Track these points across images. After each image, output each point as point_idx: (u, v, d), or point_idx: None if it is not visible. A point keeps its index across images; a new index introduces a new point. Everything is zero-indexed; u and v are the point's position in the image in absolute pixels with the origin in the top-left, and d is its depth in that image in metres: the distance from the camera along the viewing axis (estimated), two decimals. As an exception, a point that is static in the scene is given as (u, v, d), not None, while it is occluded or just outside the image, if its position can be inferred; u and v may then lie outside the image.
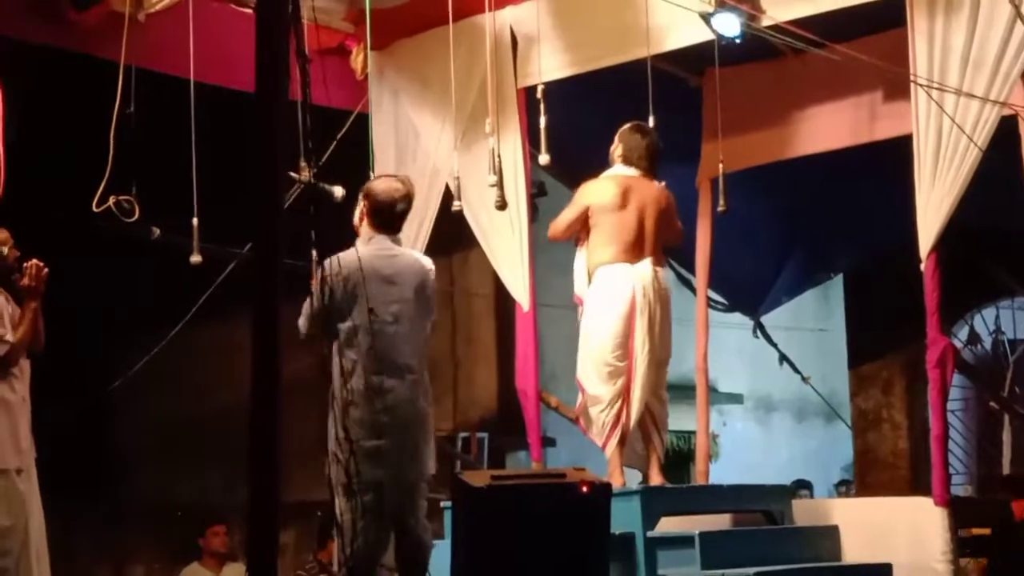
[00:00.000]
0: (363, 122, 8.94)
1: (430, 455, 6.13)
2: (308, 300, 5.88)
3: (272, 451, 3.65)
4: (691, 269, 9.40)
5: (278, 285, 3.77)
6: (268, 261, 3.74)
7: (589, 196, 7.48)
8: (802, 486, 13.54)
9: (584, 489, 5.53)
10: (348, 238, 6.19)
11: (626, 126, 7.57)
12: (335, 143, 8.10)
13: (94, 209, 6.60)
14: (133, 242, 7.04)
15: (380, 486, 5.80)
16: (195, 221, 7.04)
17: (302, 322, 6.00)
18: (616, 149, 7.56)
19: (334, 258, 5.73)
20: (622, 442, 7.39)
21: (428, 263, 6.40)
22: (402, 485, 5.94)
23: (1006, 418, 11.71)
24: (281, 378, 3.72)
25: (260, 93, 3.85)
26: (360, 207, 6.25)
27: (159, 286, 8.49)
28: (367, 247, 6.08)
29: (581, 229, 7.50)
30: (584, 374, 7.49)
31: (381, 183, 6.33)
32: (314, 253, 5.47)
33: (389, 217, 6.24)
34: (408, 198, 6.30)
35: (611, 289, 7.34)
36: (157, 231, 7.10)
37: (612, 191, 7.42)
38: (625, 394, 7.35)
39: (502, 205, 7.24)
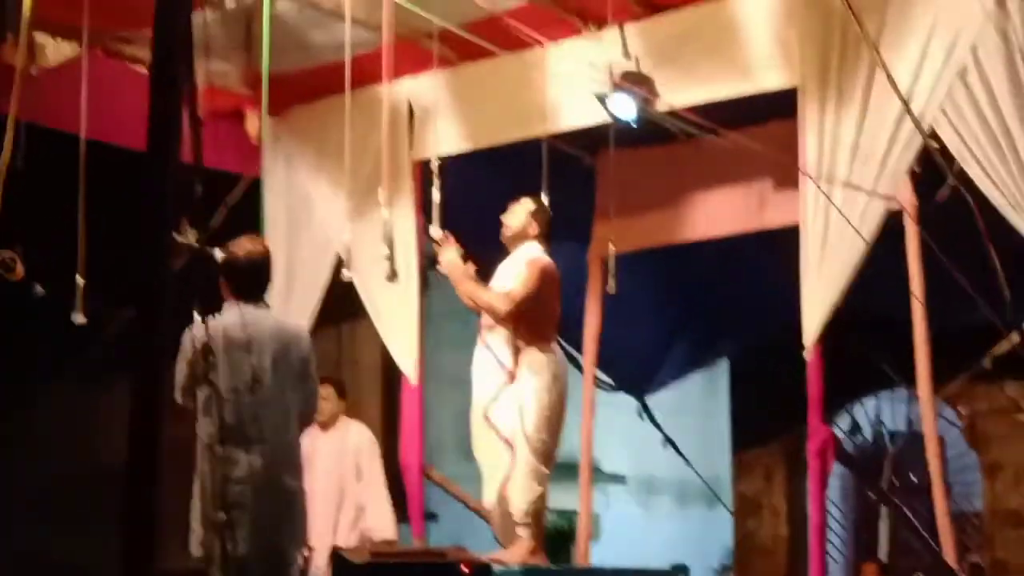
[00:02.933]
0: (256, 187, 8.89)
1: (293, 532, 5.96)
2: (177, 371, 5.84)
3: (150, 515, 3.56)
4: (579, 348, 9.41)
5: (162, 347, 3.70)
6: (151, 323, 3.67)
7: (551, 284, 7.37)
8: (680, 570, 13.52)
9: (464, 570, 5.48)
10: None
11: (533, 202, 7.52)
12: (226, 207, 8.03)
13: (-25, 266, 6.45)
14: (16, 300, 6.88)
15: (239, 559, 5.59)
16: (80, 280, 6.92)
17: (176, 392, 5.90)
18: (530, 226, 7.45)
19: (193, 326, 5.55)
20: None
21: (296, 329, 6.24)
22: (257, 562, 5.75)
23: (883, 509, 11.83)
24: (162, 443, 3.64)
25: (151, 152, 3.79)
26: (220, 277, 6.12)
27: (42, 345, 8.32)
28: (227, 316, 5.94)
29: None
30: (534, 446, 7.27)
31: (234, 247, 6.10)
32: (196, 319, 5.42)
33: (245, 281, 6.05)
34: (263, 258, 6.13)
35: (557, 371, 7.27)
36: (40, 289, 6.95)
37: (556, 276, 7.35)
38: None
39: (392, 276, 7.18)
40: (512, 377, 7.22)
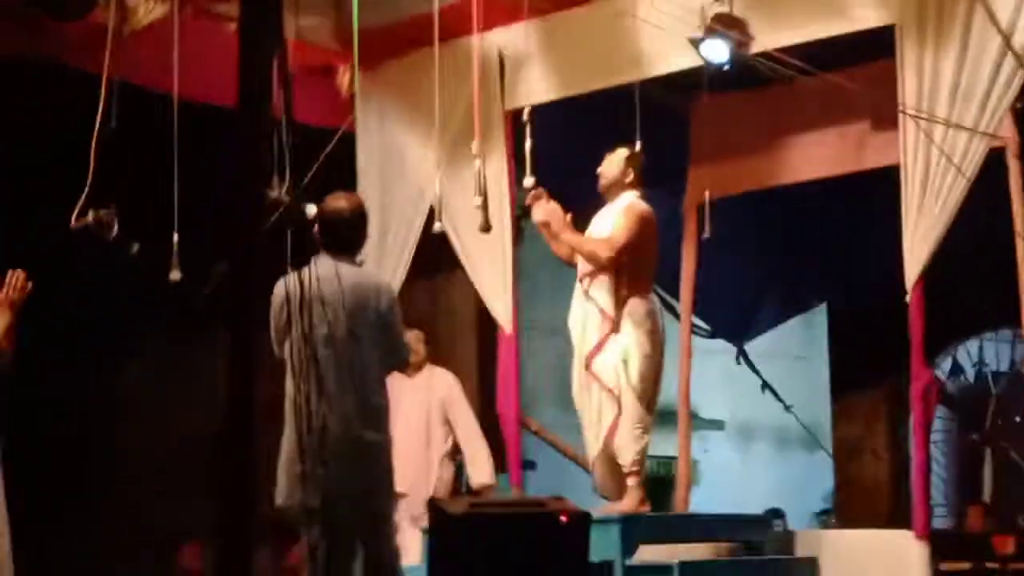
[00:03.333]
0: (349, 141, 8.90)
1: (381, 480, 5.96)
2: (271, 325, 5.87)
3: (245, 470, 3.58)
4: (675, 295, 9.35)
5: (252, 305, 3.70)
6: (242, 280, 3.67)
7: (650, 229, 7.36)
8: (776, 515, 13.47)
9: (563, 519, 5.46)
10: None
11: (628, 150, 7.49)
12: (319, 162, 8.03)
13: (73, 224, 6.52)
14: (112, 258, 6.94)
15: (319, 512, 5.65)
16: (176, 237, 6.97)
17: (274, 346, 5.94)
18: (626, 174, 7.44)
19: (280, 281, 5.65)
20: None
21: (377, 282, 6.23)
22: (353, 509, 5.79)
23: (987, 451, 11.66)
24: (255, 400, 3.65)
25: (241, 108, 3.78)
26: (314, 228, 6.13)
27: (139, 303, 8.40)
28: (312, 269, 5.95)
29: None
30: (640, 396, 7.31)
31: (329, 202, 6.12)
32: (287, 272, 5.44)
33: (337, 236, 6.06)
34: (355, 213, 6.13)
35: (658, 320, 7.30)
36: (137, 246, 7.00)
37: (655, 222, 7.35)
38: None
39: (486, 227, 7.17)
40: (615, 326, 7.22)
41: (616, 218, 7.32)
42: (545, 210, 7.43)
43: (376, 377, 6.04)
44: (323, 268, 5.88)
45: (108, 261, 6.86)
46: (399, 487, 6.59)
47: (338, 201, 6.14)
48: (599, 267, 7.27)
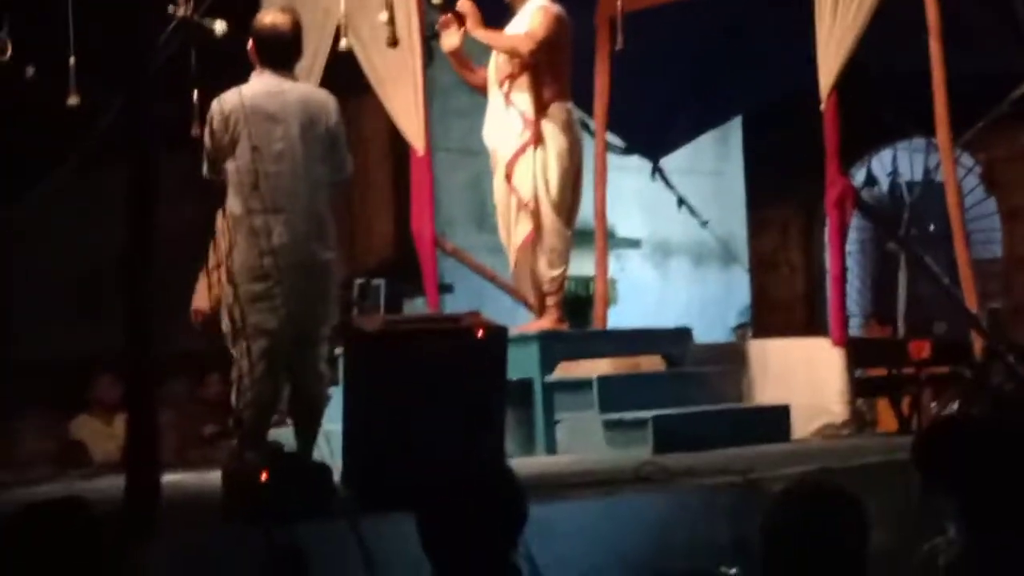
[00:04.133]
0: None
1: (327, 301, 5.92)
2: (205, 142, 5.75)
3: (144, 301, 3.48)
4: (589, 111, 9.24)
5: (150, 127, 3.58)
6: (138, 104, 3.54)
7: (565, 29, 7.24)
8: (684, 331, 13.55)
9: (479, 334, 5.41)
10: (234, 77, 5.94)
11: None
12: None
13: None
14: (5, 83, 6.71)
15: (270, 332, 5.65)
16: (71, 60, 6.74)
17: (205, 167, 5.85)
18: None
19: (217, 99, 5.66)
20: None
21: (324, 97, 6.11)
22: (295, 330, 5.74)
23: (902, 259, 11.76)
24: (152, 228, 3.54)
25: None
26: (249, 45, 6.01)
27: (36, 130, 8.17)
28: (253, 85, 5.86)
29: None
30: (559, 209, 7.23)
31: (266, 17, 6.04)
32: (195, 94, 5.30)
33: (276, 52, 5.95)
34: (294, 28, 6.01)
35: (577, 130, 7.23)
36: (31, 70, 6.77)
37: (569, 25, 7.22)
38: None
39: (393, 42, 7.03)
40: (536, 132, 7.13)
41: (530, 19, 7.19)
42: (455, 36, 7.32)
43: (325, 193, 5.97)
44: (267, 84, 5.81)
45: (3, 85, 6.64)
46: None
47: (274, 16, 6.03)
48: (521, 63, 7.16)
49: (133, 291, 3.54)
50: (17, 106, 7.56)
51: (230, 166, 5.74)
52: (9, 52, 6.33)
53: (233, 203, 5.70)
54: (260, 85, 5.87)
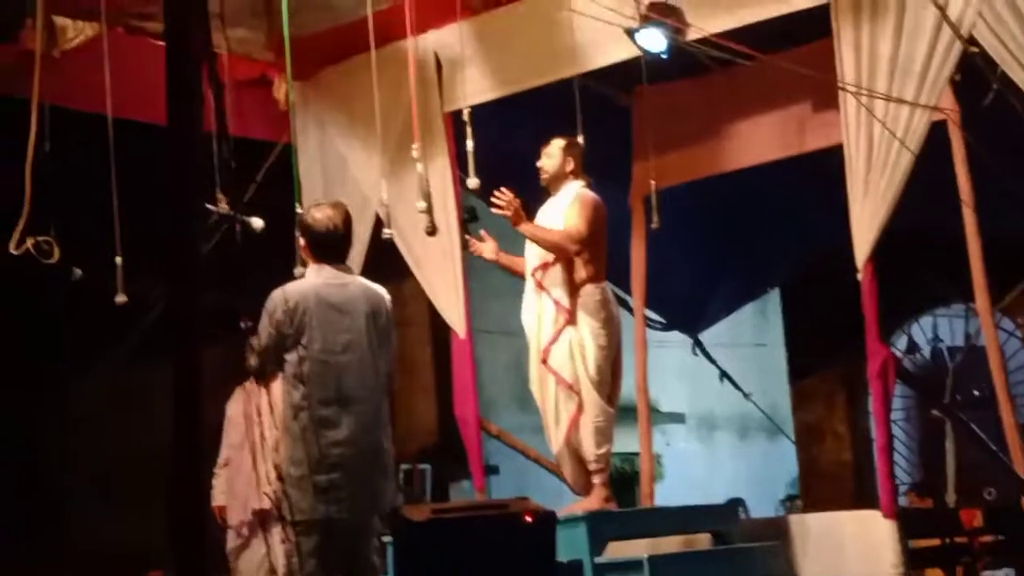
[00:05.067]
0: (291, 153, 8.81)
1: (387, 490, 5.90)
2: (257, 336, 5.78)
3: (197, 495, 3.50)
4: (626, 288, 9.30)
5: (196, 320, 3.63)
6: (183, 297, 3.59)
7: (603, 217, 7.32)
8: (737, 503, 13.47)
9: (528, 519, 5.40)
10: (271, 271, 6.03)
11: (564, 140, 7.44)
12: (260, 175, 7.95)
13: (12, 251, 6.41)
14: (55, 284, 6.83)
15: (330, 524, 5.63)
16: (119, 260, 6.87)
17: (252, 360, 5.85)
18: (566, 164, 7.38)
19: (279, 289, 5.71)
20: None
21: (381, 291, 6.18)
22: (355, 522, 5.72)
23: (948, 426, 11.69)
24: (203, 420, 3.57)
25: (170, 123, 3.71)
26: (300, 244, 6.09)
27: (84, 328, 8.29)
28: (316, 278, 5.93)
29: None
30: (599, 387, 7.26)
31: (316, 212, 6.08)
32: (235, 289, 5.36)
33: (331, 246, 6.02)
34: (346, 222, 6.08)
35: (612, 308, 7.27)
36: (79, 272, 6.90)
37: (605, 210, 7.32)
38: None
39: (432, 231, 7.12)
40: (571, 317, 7.18)
41: (567, 209, 7.28)
42: (490, 250, 7.56)
43: (386, 382, 6.02)
44: (329, 276, 5.86)
45: (54, 285, 6.76)
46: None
47: (326, 212, 6.07)
48: (565, 259, 7.22)
49: (181, 484, 3.55)
50: (66, 304, 7.69)
51: (291, 357, 5.77)
52: (57, 255, 6.45)
53: (292, 394, 5.72)
54: (322, 278, 5.92)
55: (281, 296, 5.77)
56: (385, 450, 5.90)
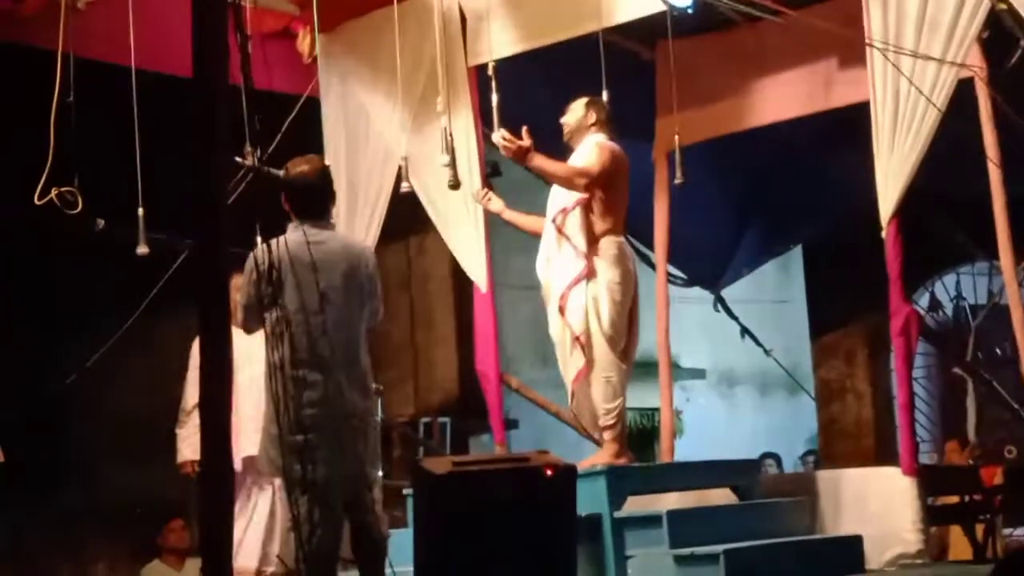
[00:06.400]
0: (315, 106, 8.81)
1: (369, 451, 5.87)
2: (241, 292, 5.76)
3: (223, 441, 3.53)
4: (649, 244, 9.30)
5: (222, 272, 3.65)
6: (211, 248, 3.61)
7: (620, 166, 7.29)
8: (769, 458, 13.51)
9: (548, 473, 5.41)
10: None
11: (585, 97, 7.42)
12: (284, 128, 7.94)
13: (36, 202, 6.42)
14: (78, 235, 6.85)
15: (315, 484, 5.56)
16: (140, 211, 6.88)
17: (238, 315, 5.81)
18: (587, 118, 7.35)
19: (257, 248, 5.54)
20: None
21: (362, 247, 6.14)
22: (340, 481, 5.68)
23: (970, 384, 11.68)
24: (230, 366, 3.59)
25: (197, 75, 3.72)
26: (281, 198, 5.98)
27: (106, 279, 8.31)
28: (293, 234, 5.81)
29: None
30: (612, 342, 7.24)
31: (291, 169, 5.98)
32: (259, 240, 5.37)
33: (308, 201, 5.93)
34: (321, 176, 6.00)
35: (629, 264, 7.24)
36: (102, 222, 6.91)
37: (626, 161, 7.28)
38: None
39: (455, 185, 7.12)
40: (589, 265, 7.14)
41: (586, 154, 7.26)
42: (497, 202, 7.66)
43: (362, 339, 5.96)
44: (305, 234, 5.77)
45: (75, 235, 6.78)
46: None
47: (301, 166, 5.99)
48: (578, 190, 7.16)
49: (210, 432, 3.58)
50: (89, 255, 7.72)
51: (270, 316, 5.65)
52: (80, 205, 6.46)
53: (272, 354, 5.57)
54: (298, 235, 5.79)
55: (256, 256, 5.59)
56: (360, 408, 5.83)
